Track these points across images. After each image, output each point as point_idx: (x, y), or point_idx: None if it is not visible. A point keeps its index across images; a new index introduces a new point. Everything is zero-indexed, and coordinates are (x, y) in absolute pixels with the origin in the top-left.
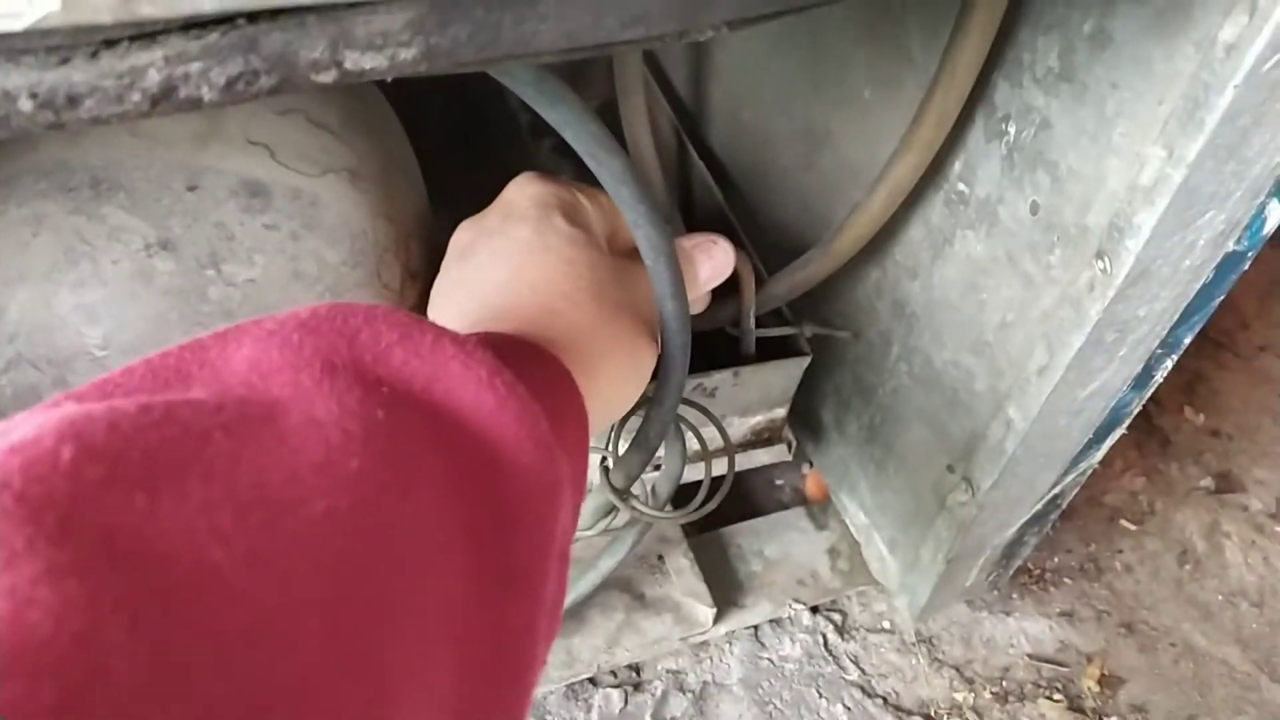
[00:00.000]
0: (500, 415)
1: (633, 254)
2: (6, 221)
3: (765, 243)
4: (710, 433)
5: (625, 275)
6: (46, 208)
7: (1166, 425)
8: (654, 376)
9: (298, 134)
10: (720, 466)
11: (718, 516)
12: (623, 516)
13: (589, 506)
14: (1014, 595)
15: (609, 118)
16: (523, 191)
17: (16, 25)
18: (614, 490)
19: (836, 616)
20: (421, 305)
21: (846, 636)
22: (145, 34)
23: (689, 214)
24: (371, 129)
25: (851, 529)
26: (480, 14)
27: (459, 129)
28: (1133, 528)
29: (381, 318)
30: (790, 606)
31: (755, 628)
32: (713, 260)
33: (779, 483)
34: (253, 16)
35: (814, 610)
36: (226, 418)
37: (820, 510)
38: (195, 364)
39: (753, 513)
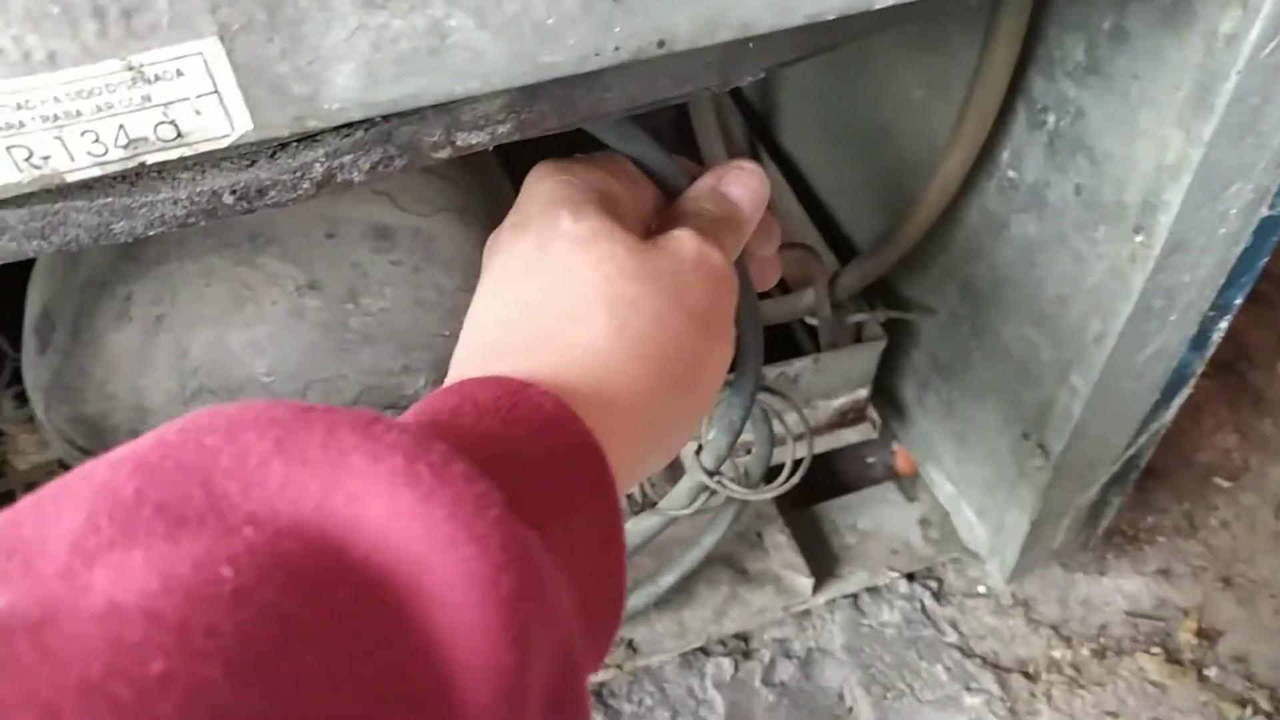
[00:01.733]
0: (421, 518)
1: (670, 220)
2: (183, 275)
3: (837, 235)
4: (795, 417)
5: (654, 263)
6: (214, 261)
7: (1259, 382)
8: (732, 367)
9: (413, 180)
10: (804, 448)
11: (811, 494)
12: (717, 496)
13: (684, 487)
14: (1109, 555)
15: (683, 121)
16: (529, 192)
17: (223, 144)
18: (705, 471)
19: (933, 583)
20: None
21: (943, 601)
22: (309, 136)
23: None
24: (473, 168)
25: (940, 499)
26: (558, 91)
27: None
28: (1227, 484)
29: (251, 423)
30: (886, 574)
31: (854, 596)
32: (743, 184)
33: (870, 460)
34: (387, 116)
35: (910, 578)
36: None
37: (910, 483)
38: (3, 556)
39: (845, 489)
